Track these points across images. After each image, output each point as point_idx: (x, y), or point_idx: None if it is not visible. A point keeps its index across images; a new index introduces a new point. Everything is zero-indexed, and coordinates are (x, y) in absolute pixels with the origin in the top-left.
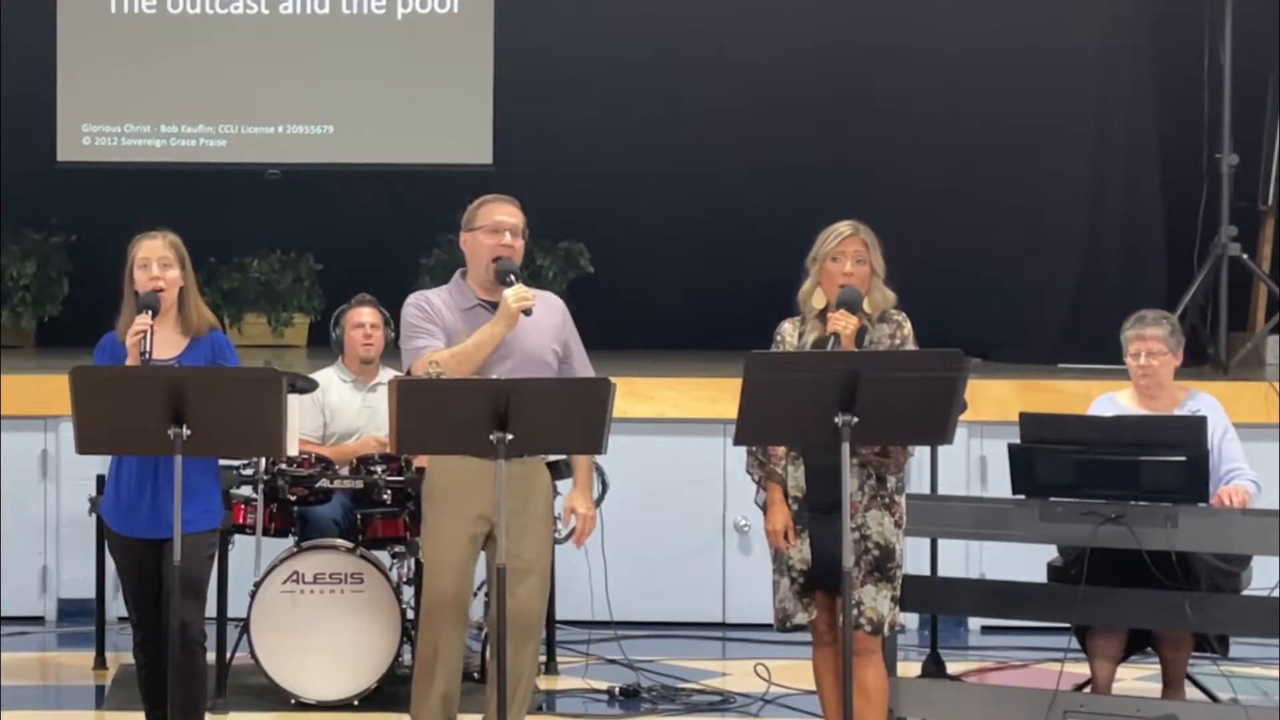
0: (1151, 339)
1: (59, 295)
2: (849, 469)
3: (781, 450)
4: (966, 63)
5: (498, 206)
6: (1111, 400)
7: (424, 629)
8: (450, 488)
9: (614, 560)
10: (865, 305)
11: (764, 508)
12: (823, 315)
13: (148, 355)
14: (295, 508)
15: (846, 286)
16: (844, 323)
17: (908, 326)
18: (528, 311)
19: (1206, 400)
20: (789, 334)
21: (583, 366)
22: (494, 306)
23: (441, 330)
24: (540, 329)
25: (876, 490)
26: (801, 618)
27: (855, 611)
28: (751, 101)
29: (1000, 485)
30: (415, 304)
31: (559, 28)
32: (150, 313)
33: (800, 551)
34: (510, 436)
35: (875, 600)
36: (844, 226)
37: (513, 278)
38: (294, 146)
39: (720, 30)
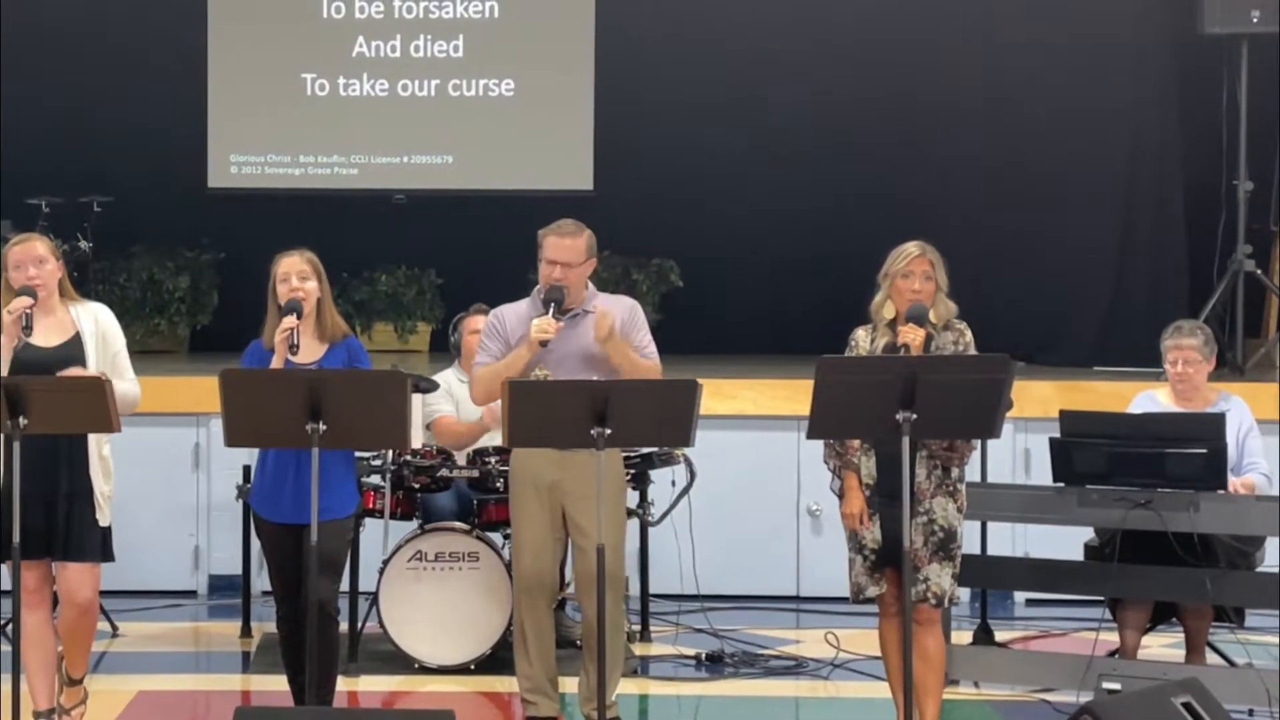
0: (1188, 348)
1: (209, 306)
2: (908, 459)
3: (857, 442)
4: (1018, 105)
5: (552, 241)
6: (1151, 398)
7: (516, 604)
8: (527, 476)
9: (701, 541)
10: (930, 316)
11: (840, 494)
12: (893, 324)
13: (296, 347)
14: (418, 494)
15: (915, 303)
16: (913, 335)
17: (969, 335)
18: (544, 342)
19: (1236, 401)
20: (862, 340)
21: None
22: None
23: (504, 344)
24: (587, 339)
25: (942, 480)
26: (873, 591)
27: (923, 586)
28: (823, 137)
29: (1042, 474)
30: (490, 321)
31: (653, 68)
32: (295, 315)
33: (872, 533)
34: (609, 431)
35: (939, 576)
36: (912, 247)
37: (554, 306)
38: (417, 174)
39: (799, 74)
